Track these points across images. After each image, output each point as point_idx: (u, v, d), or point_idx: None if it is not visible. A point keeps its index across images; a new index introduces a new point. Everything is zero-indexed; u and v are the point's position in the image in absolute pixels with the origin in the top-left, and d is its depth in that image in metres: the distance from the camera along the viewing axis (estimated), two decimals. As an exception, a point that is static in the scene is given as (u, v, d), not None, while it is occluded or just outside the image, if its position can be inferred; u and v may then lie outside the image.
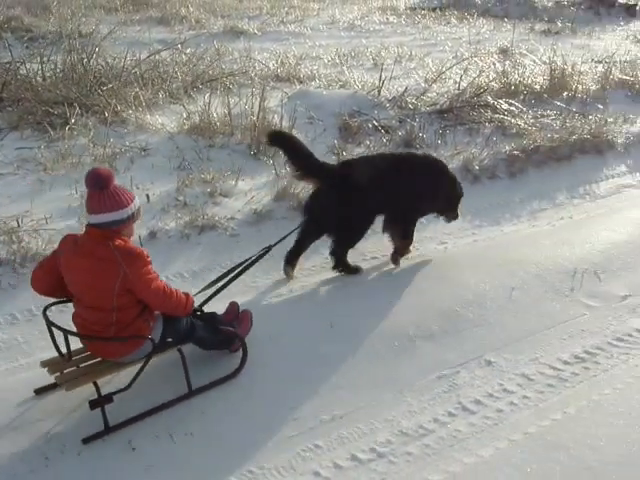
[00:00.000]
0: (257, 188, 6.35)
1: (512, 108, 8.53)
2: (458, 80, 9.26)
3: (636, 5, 20.49)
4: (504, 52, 12.55)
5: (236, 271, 4.49)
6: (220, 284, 4.34)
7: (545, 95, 9.25)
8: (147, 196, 6.01)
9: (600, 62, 11.55)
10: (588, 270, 5.23)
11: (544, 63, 10.50)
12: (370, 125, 7.93)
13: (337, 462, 3.34)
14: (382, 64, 10.08)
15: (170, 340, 3.73)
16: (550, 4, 20.40)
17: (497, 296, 4.87)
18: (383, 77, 8.96)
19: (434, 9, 19.91)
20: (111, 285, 3.34)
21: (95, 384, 3.49)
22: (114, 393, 3.54)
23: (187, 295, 3.71)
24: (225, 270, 4.59)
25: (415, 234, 5.44)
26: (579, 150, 7.81)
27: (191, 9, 15.73)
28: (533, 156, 7.49)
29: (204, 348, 4.00)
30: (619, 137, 8.22)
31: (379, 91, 8.82)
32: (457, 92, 8.93)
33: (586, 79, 10.13)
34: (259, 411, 3.70)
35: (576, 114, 8.73)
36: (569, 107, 8.95)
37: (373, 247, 5.54)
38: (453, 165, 7.03)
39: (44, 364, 3.66)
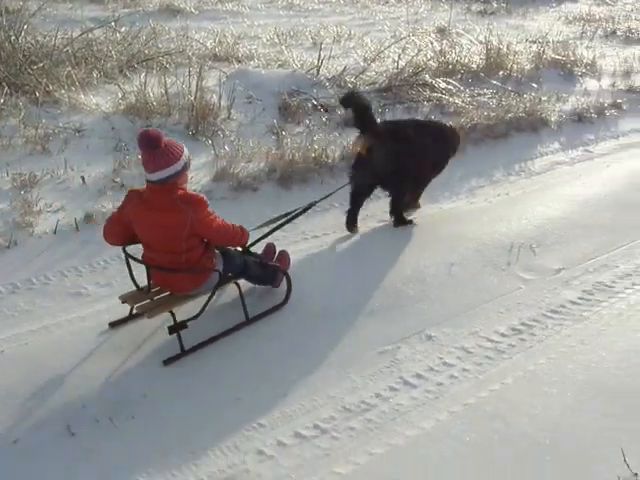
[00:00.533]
0: (196, 169, 6.24)
1: (450, 87, 8.62)
2: (396, 59, 9.30)
3: (568, -14, 20.96)
4: (442, 32, 12.64)
5: (280, 222, 4.95)
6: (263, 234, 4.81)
7: (482, 74, 9.37)
8: (82, 178, 5.87)
9: (534, 42, 11.78)
10: (524, 245, 5.36)
11: (480, 43, 10.63)
12: (309, 104, 7.90)
13: (281, 440, 3.35)
14: (321, 43, 10.02)
15: (230, 275, 4.21)
16: (486, -15, 20.62)
17: (437, 272, 4.95)
18: (322, 56, 8.92)
19: (373, -12, 19.90)
20: (180, 232, 3.77)
21: (171, 312, 3.95)
22: (188, 320, 3.98)
23: (241, 227, 4.18)
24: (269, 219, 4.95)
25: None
26: (515, 128, 7.99)
27: (125, -14, 15.28)
28: (471, 134, 7.61)
29: (254, 283, 4.55)
30: (552, 115, 8.43)
31: (318, 70, 8.79)
32: (396, 71, 8.97)
33: (521, 59, 10.31)
34: (200, 393, 3.68)
35: (512, 93, 8.89)
36: (505, 86, 9.11)
37: (313, 226, 5.56)
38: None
39: (123, 298, 4.11)
